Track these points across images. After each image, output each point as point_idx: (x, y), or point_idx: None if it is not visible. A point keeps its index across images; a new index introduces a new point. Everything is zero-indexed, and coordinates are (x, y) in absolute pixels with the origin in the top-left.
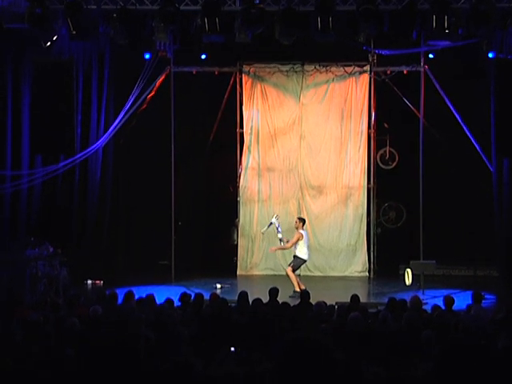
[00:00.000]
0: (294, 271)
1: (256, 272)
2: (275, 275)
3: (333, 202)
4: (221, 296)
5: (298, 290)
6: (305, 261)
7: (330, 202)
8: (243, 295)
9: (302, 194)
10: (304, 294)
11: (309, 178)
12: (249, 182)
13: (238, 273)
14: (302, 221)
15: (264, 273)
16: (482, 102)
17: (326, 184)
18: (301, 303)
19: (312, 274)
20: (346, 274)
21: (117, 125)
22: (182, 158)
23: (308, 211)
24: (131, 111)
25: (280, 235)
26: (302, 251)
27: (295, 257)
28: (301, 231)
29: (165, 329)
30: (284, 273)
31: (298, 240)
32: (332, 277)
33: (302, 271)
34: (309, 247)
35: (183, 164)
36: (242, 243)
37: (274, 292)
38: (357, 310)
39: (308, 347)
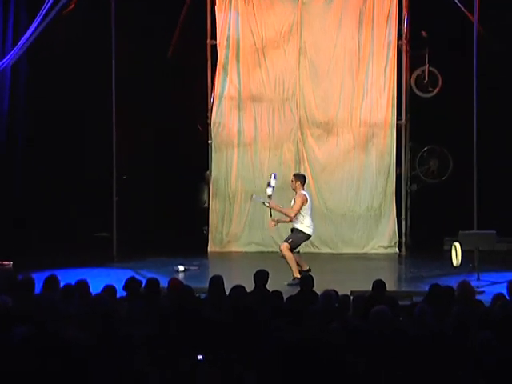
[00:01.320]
0: (292, 250)
1: (235, 248)
2: (263, 253)
3: (347, 146)
4: (184, 282)
5: (298, 275)
6: (309, 236)
7: (343, 147)
8: (217, 281)
9: (301, 134)
10: (305, 280)
11: (312, 111)
12: (225, 117)
13: (209, 249)
14: (301, 178)
15: (247, 249)
16: None
17: (337, 120)
18: (300, 293)
19: (317, 251)
20: (367, 250)
21: (31, 34)
22: (127, 83)
23: (311, 160)
24: (51, 15)
25: (259, 199)
26: (303, 222)
27: (294, 230)
28: (302, 192)
29: (105, 329)
30: (277, 249)
31: (303, 205)
32: (346, 255)
33: (301, 247)
34: (312, 216)
35: (129, 91)
36: (215, 206)
37: (261, 277)
38: (382, 302)
39: (308, 352)
